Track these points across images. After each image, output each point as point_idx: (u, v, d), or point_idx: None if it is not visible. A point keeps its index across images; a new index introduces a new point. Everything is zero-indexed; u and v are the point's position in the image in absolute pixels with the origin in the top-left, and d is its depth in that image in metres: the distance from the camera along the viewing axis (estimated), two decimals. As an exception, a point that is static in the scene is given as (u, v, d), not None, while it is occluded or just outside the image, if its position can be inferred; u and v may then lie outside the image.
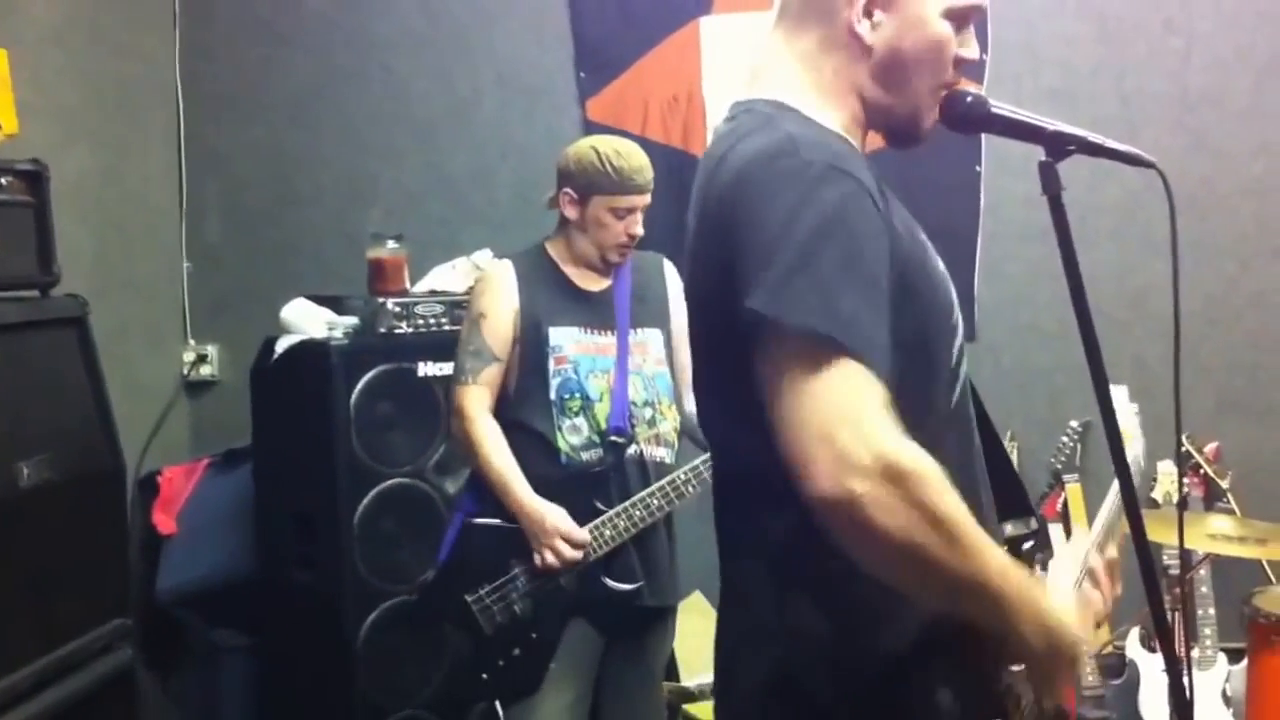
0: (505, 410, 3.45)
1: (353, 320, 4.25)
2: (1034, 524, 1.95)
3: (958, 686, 1.75)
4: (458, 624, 3.43)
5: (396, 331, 4.20)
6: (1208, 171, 4.50)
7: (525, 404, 3.43)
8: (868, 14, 1.79)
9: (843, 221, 1.64)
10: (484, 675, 3.41)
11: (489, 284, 3.50)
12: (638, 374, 3.48)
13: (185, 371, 5.02)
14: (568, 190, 3.44)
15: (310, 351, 4.18)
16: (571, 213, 3.44)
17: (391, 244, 4.39)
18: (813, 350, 1.58)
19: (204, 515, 4.57)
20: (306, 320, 4.29)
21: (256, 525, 4.45)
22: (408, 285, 4.41)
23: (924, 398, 1.75)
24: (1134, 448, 2.36)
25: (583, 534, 3.34)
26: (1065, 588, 1.86)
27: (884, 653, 1.74)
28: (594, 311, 3.48)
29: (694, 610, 4.32)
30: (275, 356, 4.27)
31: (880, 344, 1.61)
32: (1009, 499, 1.98)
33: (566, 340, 3.43)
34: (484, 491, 3.44)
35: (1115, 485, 2.04)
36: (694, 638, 4.11)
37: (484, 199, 4.91)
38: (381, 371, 4.13)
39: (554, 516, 3.34)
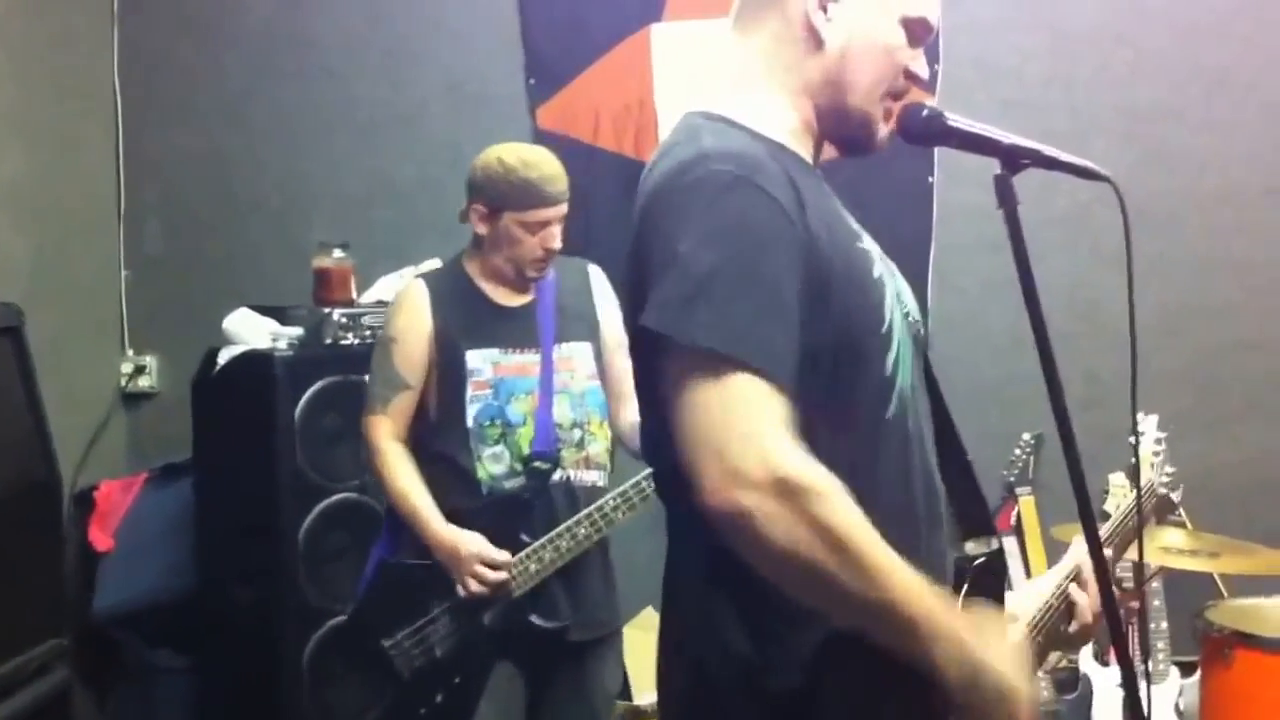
0: (425, 439, 3.30)
1: (297, 331, 4.20)
2: (994, 544, 1.93)
3: (879, 703, 1.72)
4: (374, 671, 3.29)
5: (343, 342, 4.16)
6: (1158, 184, 4.52)
7: (444, 432, 3.27)
8: (822, 6, 1.81)
9: (741, 232, 1.65)
10: None
11: (402, 306, 3.33)
12: (565, 393, 3.30)
13: (123, 383, 4.96)
14: (476, 205, 3.26)
15: (254, 363, 4.12)
16: (482, 228, 3.26)
17: (337, 253, 4.35)
18: (707, 364, 1.60)
19: (142, 531, 4.50)
20: (250, 330, 4.24)
21: (197, 542, 4.35)
22: (354, 295, 4.37)
23: (847, 408, 1.75)
24: (1146, 474, 2.43)
25: (501, 554, 3.18)
26: (1017, 630, 1.85)
27: (801, 661, 1.71)
28: (515, 329, 3.30)
29: (645, 627, 4.28)
30: (217, 368, 4.21)
31: (780, 354, 1.62)
32: (971, 517, 1.98)
33: (485, 363, 3.26)
34: (400, 529, 3.30)
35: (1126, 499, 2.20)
36: (645, 655, 4.06)
37: (432, 207, 4.84)
38: (327, 383, 4.08)
39: (467, 542, 3.17)
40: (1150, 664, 4.06)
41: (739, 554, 1.59)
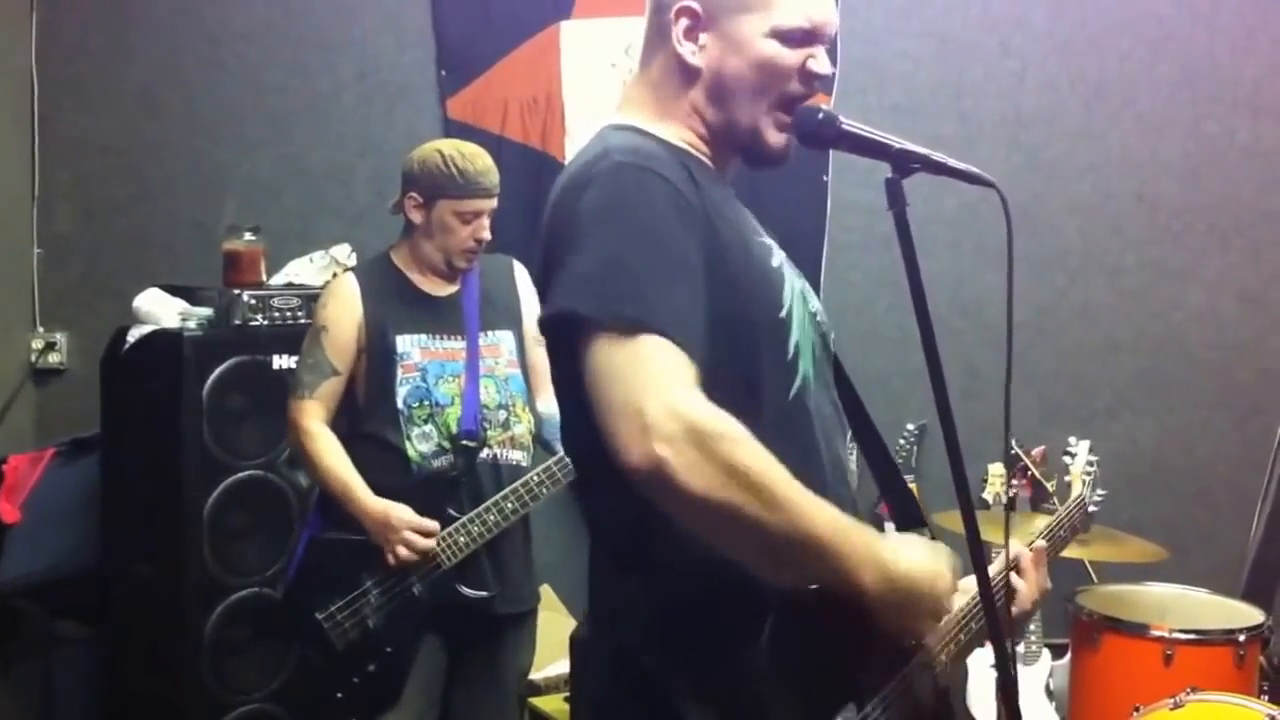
0: (355, 421, 3.40)
1: (206, 311, 4.20)
2: (927, 534, 1.97)
3: (797, 661, 1.76)
4: (309, 643, 3.36)
5: (251, 324, 4.17)
6: (1038, 188, 4.68)
7: (374, 414, 3.38)
8: (691, 38, 1.90)
9: (640, 208, 1.74)
10: (339, 694, 3.33)
11: (332, 296, 3.45)
12: (490, 377, 3.43)
13: (33, 359, 4.93)
14: (412, 194, 3.39)
15: (163, 342, 4.13)
16: (416, 217, 3.39)
17: (248, 235, 4.36)
18: (616, 332, 1.66)
19: (49, 504, 4.49)
20: (160, 310, 4.24)
21: (102, 516, 4.36)
22: (263, 278, 4.39)
23: (746, 385, 1.81)
24: (1078, 489, 2.52)
25: (430, 523, 3.28)
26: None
27: (717, 628, 1.75)
28: (441, 317, 3.44)
29: (540, 604, 4.37)
30: (127, 346, 4.21)
31: (685, 318, 1.69)
32: (905, 513, 2.07)
33: (413, 347, 3.38)
34: (330, 508, 3.38)
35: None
36: (541, 631, 4.16)
37: (341, 194, 4.90)
38: (235, 363, 4.10)
39: (397, 511, 3.27)
40: (1023, 645, 4.19)
41: (663, 509, 1.62)
